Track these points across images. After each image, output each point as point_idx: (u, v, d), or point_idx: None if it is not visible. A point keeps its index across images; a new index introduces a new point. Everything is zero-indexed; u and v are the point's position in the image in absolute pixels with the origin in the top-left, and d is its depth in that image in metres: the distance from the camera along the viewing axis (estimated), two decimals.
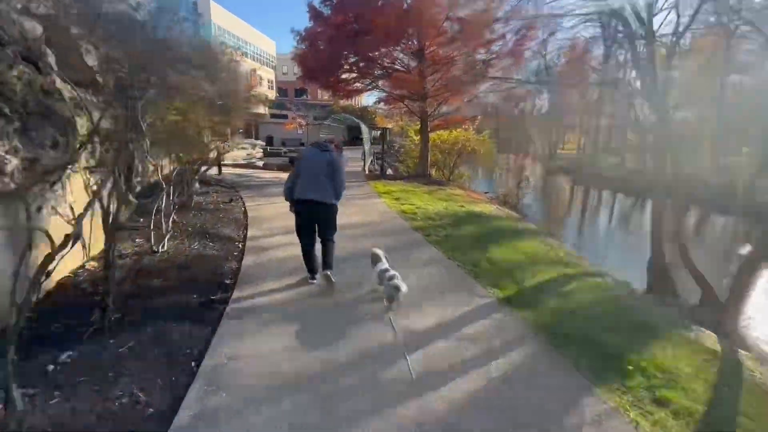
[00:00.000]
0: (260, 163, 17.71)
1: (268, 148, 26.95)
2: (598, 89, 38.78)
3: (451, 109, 16.64)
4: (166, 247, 4.44)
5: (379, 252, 3.75)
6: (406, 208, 7.97)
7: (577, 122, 48.95)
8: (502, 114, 26.80)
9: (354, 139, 35.54)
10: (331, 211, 3.72)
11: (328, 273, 3.72)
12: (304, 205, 3.63)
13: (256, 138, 31.93)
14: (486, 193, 14.95)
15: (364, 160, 17.86)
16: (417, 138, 18.30)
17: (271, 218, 6.61)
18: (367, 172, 16.31)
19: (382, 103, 17.47)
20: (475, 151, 16.43)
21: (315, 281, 3.83)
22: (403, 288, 3.26)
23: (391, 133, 17.73)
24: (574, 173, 32.29)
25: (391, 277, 3.33)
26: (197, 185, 9.00)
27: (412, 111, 14.70)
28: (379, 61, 13.36)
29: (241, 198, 8.42)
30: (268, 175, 12.86)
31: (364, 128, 19.73)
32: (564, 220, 15.12)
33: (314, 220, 3.71)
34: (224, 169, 13.21)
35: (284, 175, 5.09)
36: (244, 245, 5.07)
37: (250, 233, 5.63)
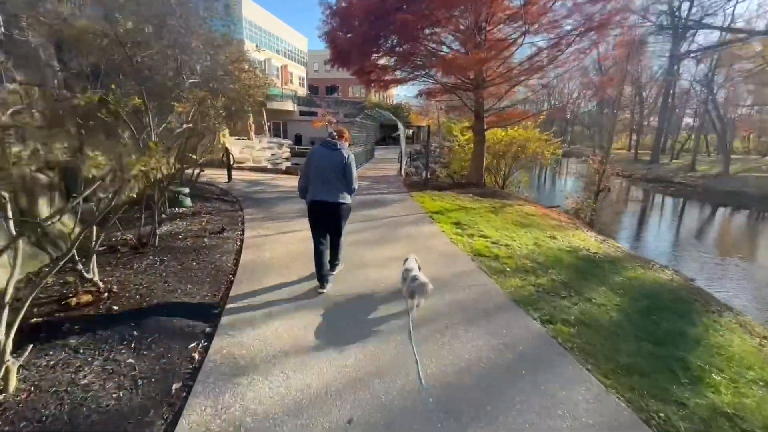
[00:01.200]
0: (283, 166, 15.43)
1: (296, 147, 24.97)
2: (656, 84, 34.32)
3: (510, 102, 13.71)
4: (14, 384, 2.01)
5: (410, 256, 3.54)
6: (480, 244, 5.26)
7: (629, 120, 44.19)
8: (548, 110, 23.51)
9: (385, 138, 33.05)
10: (343, 210, 3.56)
11: (330, 279, 3.63)
12: (316, 206, 3.53)
13: (284, 136, 30.22)
14: (556, 207, 11.91)
15: (401, 162, 15.34)
16: (463, 137, 15.48)
17: (277, 265, 4.13)
18: (403, 175, 13.70)
19: (422, 96, 14.64)
20: (536, 154, 13.45)
21: (324, 291, 3.53)
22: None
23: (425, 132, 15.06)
24: (639, 178, 28.15)
25: (414, 278, 3.09)
26: (188, 201, 6.74)
27: (465, 104, 11.91)
28: (425, 43, 10.67)
29: (242, 221, 6.04)
30: (288, 182, 10.47)
31: (400, 126, 17.20)
32: (692, 256, 10.52)
33: (326, 220, 3.58)
34: (237, 174, 11.04)
35: None
36: (203, 356, 2.54)
37: (228, 312, 3.15)
